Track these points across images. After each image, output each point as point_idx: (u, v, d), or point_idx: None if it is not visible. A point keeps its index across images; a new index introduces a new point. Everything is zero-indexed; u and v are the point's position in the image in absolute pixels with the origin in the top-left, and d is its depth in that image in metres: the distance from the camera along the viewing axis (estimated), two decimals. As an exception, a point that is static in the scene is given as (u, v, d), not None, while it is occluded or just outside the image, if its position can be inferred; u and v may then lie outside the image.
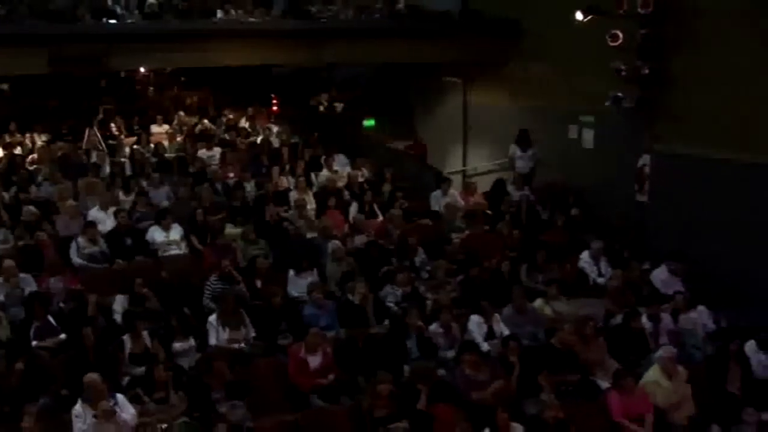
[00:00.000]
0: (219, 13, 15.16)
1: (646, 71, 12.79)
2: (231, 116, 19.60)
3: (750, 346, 9.26)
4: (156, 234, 11.74)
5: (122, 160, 15.60)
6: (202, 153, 15.79)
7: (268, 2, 16.52)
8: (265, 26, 15.07)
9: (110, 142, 16.81)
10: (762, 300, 10.61)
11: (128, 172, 14.82)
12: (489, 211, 13.71)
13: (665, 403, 8.23)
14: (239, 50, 14.62)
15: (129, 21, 14.19)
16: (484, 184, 15.36)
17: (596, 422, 8.09)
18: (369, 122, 19.21)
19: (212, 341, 9.14)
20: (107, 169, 14.84)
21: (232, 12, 15.39)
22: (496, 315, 9.65)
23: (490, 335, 9.44)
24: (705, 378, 8.91)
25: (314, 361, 8.66)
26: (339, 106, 20.25)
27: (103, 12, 14.04)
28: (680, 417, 8.20)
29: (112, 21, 13.94)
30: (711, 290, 10.79)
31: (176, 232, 11.83)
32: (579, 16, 13.52)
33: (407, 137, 19.01)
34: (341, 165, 15.66)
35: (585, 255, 11.66)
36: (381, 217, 13.07)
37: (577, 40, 13.89)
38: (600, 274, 11.48)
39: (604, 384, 8.62)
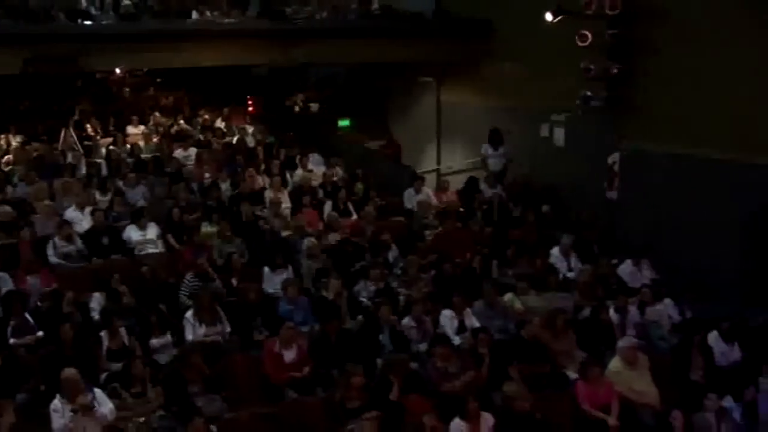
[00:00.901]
0: (194, 14, 15.28)
1: (615, 71, 13.07)
2: (207, 117, 19.71)
3: (713, 337, 9.57)
4: (132, 233, 11.84)
5: (98, 160, 15.64)
6: (178, 153, 15.93)
7: (243, 3, 16.65)
8: (240, 27, 15.21)
9: (86, 143, 16.87)
10: (725, 292, 10.94)
11: (104, 172, 14.86)
12: (461, 209, 13.89)
13: (628, 391, 8.47)
14: (214, 51, 14.75)
15: (104, 22, 14.28)
16: (458, 183, 15.53)
17: (565, 411, 8.31)
18: (344, 122, 19.40)
19: (189, 336, 9.27)
20: (83, 170, 14.91)
21: (207, 13, 15.52)
22: (468, 309, 9.84)
23: (461, 329, 9.64)
24: (669, 367, 9.21)
25: (289, 355, 8.81)
26: (314, 107, 20.40)
27: (78, 13, 14.12)
28: (644, 404, 8.44)
29: (87, 22, 14.02)
30: (677, 283, 11.07)
31: (153, 231, 11.94)
32: (549, 16, 13.78)
33: (382, 137, 19.22)
34: (316, 164, 15.82)
35: (555, 250, 11.92)
36: (355, 216, 13.22)
37: (547, 41, 14.16)
38: (570, 269, 11.72)
39: (573, 375, 8.85)
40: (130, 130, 18.09)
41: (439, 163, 18.00)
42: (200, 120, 19.45)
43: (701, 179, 12.01)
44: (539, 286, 10.78)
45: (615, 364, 8.77)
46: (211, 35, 14.82)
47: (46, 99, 19.57)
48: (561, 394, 8.57)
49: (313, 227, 12.54)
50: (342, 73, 20.51)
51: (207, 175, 14.76)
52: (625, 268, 11.55)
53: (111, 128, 18.32)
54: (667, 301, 10.55)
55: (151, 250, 11.73)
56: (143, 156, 16.04)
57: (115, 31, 14.15)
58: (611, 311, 10.00)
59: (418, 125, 18.63)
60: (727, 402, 8.31)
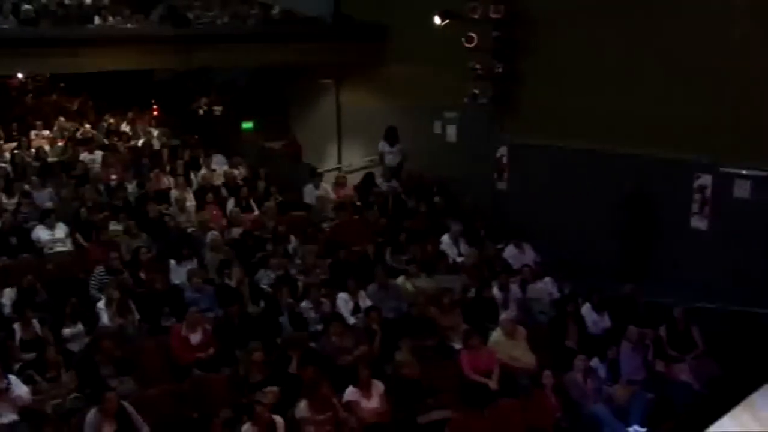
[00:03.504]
0: (96, 19, 15.54)
1: (499, 70, 13.98)
2: (112, 121, 19.91)
3: (586, 308, 10.55)
4: (41, 233, 12.16)
5: (2, 165, 15.73)
6: (84, 156, 16.13)
7: (146, 8, 16.96)
8: (141, 32, 15.55)
9: (-12, 147, 16.94)
10: (600, 269, 11.87)
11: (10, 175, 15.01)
12: (358, 202, 14.62)
13: (508, 358, 9.37)
14: (116, 56, 14.94)
15: (4, 26, 14.41)
16: (358, 180, 16.21)
17: (450, 378, 9.11)
18: (247, 125, 19.85)
19: (104, 320, 9.74)
20: (-12, 174, 15.02)
21: (110, 18, 15.80)
22: (362, 292, 10.57)
23: (356, 310, 10.35)
24: (547, 336, 10.15)
25: (195, 338, 9.36)
26: (218, 109, 20.81)
27: (-24, 17, 14.27)
28: (522, 368, 9.34)
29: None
30: (558, 263, 12.04)
31: (61, 231, 12.28)
32: (437, 20, 14.64)
33: (284, 137, 19.78)
34: (219, 164, 16.22)
35: (445, 237, 12.74)
36: (257, 211, 13.75)
37: (438, 42, 14.96)
38: (460, 254, 12.55)
39: (459, 346, 9.66)
40: (35, 134, 18.21)
41: (340, 161, 18.61)
42: (106, 124, 19.65)
43: (579, 169, 13.09)
44: (430, 269, 11.57)
45: (496, 334, 9.66)
46: (113, 40, 15.06)
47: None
48: (446, 362, 9.38)
49: (216, 223, 13.05)
50: (244, 76, 20.95)
51: (113, 176, 14.98)
52: (509, 252, 12.47)
53: (14, 133, 18.36)
54: (547, 279, 11.47)
55: (60, 249, 12.09)
56: (49, 160, 16.21)
57: (15, 36, 14.27)
58: (495, 289, 10.87)
59: (319, 125, 19.23)
60: (594, 362, 9.26)
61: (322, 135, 19.08)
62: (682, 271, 11.56)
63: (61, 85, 22.13)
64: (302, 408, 7.88)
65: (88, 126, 19.35)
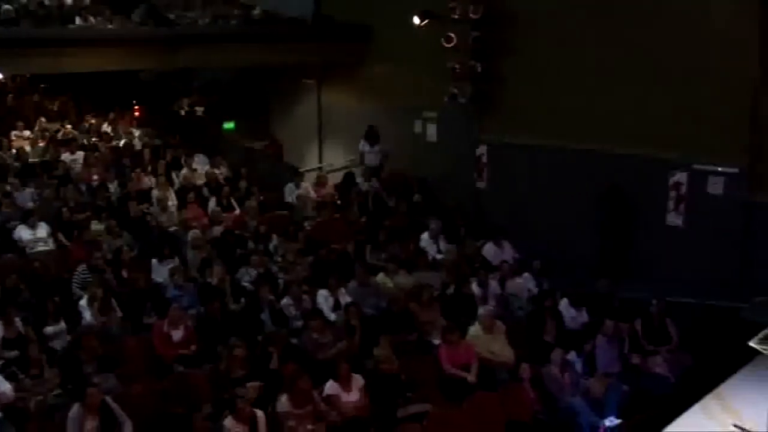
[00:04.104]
0: (77, 20, 15.56)
1: (478, 70, 14.09)
2: (93, 121, 19.94)
3: (563, 304, 10.69)
4: (23, 232, 12.25)
5: (-18, 167, 15.76)
6: (65, 157, 16.18)
7: (127, 9, 17.00)
8: (122, 33, 15.55)
9: (-32, 149, 16.92)
10: (580, 265, 12.10)
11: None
12: (339, 201, 14.76)
13: (486, 353, 9.49)
14: (97, 56, 14.90)
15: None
16: (339, 179, 16.31)
17: (429, 372, 9.25)
18: (229, 125, 19.92)
19: (87, 318, 9.83)
20: (-32, 175, 15.02)
21: (91, 19, 15.83)
22: (342, 289, 10.68)
23: (337, 307, 10.45)
24: (525, 331, 10.30)
25: (177, 334, 9.46)
26: (199, 110, 20.86)
27: (-45, 17, 14.27)
28: (500, 362, 9.49)
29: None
30: (538, 260, 12.16)
31: (43, 230, 12.38)
32: (416, 20, 14.77)
33: (266, 137, 19.85)
34: (201, 164, 16.29)
35: (425, 235, 12.90)
36: (238, 210, 13.88)
37: (418, 42, 15.08)
38: (439, 251, 12.70)
39: (438, 341, 9.77)
40: (16, 135, 18.22)
41: (321, 161, 18.68)
42: (87, 125, 19.67)
43: (557, 167, 13.27)
44: (410, 266, 11.70)
45: (474, 329, 9.79)
46: (95, 41, 15.03)
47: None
48: (425, 357, 9.52)
49: (198, 221, 13.13)
50: (226, 76, 21.00)
51: (95, 177, 15.04)
52: (489, 249, 12.61)
53: (-6, 134, 18.38)
54: (526, 275, 11.64)
55: (42, 248, 12.16)
56: (30, 160, 16.23)
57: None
58: (474, 285, 11.01)
59: (300, 125, 19.28)
60: (571, 356, 9.42)
61: (304, 135, 19.15)
62: (659, 266, 11.78)
63: (42, 85, 22.08)
64: (283, 402, 7.98)
65: (69, 126, 19.36)
